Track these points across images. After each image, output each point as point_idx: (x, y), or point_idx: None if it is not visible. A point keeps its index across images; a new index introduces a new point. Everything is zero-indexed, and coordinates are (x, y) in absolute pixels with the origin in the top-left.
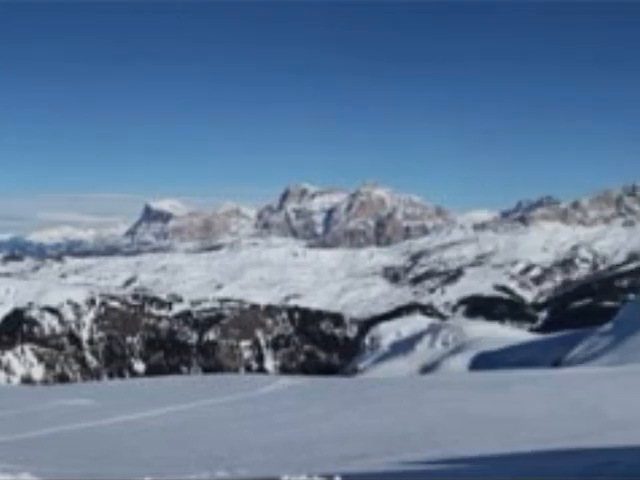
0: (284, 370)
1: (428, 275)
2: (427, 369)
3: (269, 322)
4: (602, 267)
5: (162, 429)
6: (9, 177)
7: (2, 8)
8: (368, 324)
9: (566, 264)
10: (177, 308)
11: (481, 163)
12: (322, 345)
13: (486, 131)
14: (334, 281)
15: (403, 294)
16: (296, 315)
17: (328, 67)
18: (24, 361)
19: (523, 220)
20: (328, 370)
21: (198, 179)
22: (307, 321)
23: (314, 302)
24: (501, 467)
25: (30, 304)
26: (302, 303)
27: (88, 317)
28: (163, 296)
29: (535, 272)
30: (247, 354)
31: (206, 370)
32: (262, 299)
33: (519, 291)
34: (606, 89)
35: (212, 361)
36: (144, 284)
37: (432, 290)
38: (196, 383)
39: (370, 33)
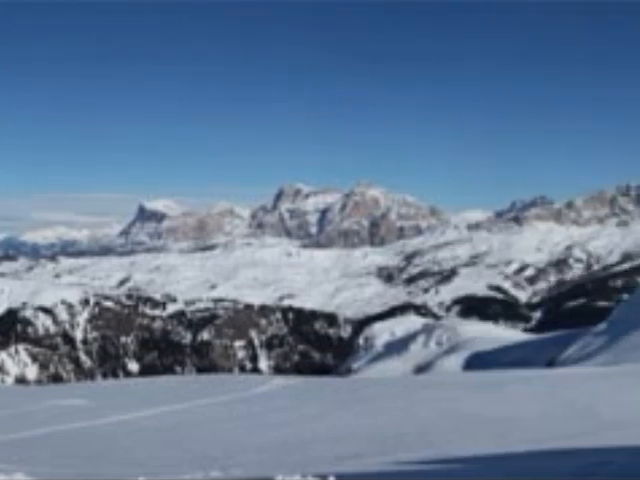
0: (278, 370)
1: (422, 275)
2: (421, 369)
3: (263, 322)
4: (596, 267)
5: (156, 429)
6: (3, 177)
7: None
8: (362, 324)
9: (560, 264)
10: (171, 308)
11: (475, 163)
12: (316, 345)
13: (480, 131)
14: (328, 281)
15: (397, 294)
16: (290, 315)
17: (322, 67)
18: (18, 361)
19: (517, 220)
20: (322, 370)
21: (192, 179)
22: (301, 321)
23: (308, 302)
24: (495, 467)
25: (24, 304)
26: (296, 303)
27: (82, 317)
28: (157, 296)
29: (529, 272)
30: (241, 354)
31: (200, 370)
32: (256, 299)
33: (513, 291)
34: (600, 89)
35: (206, 361)
36: (138, 284)
37: (426, 290)
38: (190, 383)
39: (364, 33)
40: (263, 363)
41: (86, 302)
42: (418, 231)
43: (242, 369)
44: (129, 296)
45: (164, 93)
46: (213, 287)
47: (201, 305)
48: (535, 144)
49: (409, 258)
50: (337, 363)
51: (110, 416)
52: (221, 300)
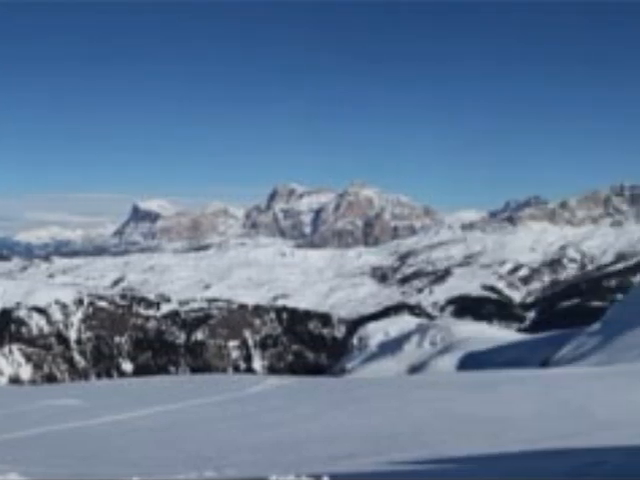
0: (272, 370)
1: (416, 275)
2: (415, 369)
3: (257, 322)
4: (590, 267)
5: (150, 429)
6: None
7: None
8: (356, 324)
9: (554, 264)
10: (165, 308)
11: (469, 163)
12: (310, 345)
13: (474, 131)
14: (322, 281)
15: (391, 294)
16: (284, 315)
17: (316, 68)
18: (12, 361)
19: (511, 220)
20: (316, 370)
21: (186, 179)
22: (295, 321)
23: (302, 302)
24: (489, 467)
25: (18, 304)
26: (290, 303)
27: (76, 317)
28: (151, 296)
29: (523, 272)
30: (235, 354)
31: (194, 370)
32: (250, 299)
33: (507, 291)
34: (595, 89)
35: (200, 361)
36: (132, 284)
37: (420, 290)
38: (184, 383)
39: (358, 34)
40: (257, 363)
41: (80, 302)
42: (412, 231)
43: (236, 369)
44: (123, 296)
45: (158, 93)
46: (207, 287)
47: (195, 305)
48: (529, 144)
49: (403, 258)
50: (331, 363)
51: (104, 416)
52: (215, 300)
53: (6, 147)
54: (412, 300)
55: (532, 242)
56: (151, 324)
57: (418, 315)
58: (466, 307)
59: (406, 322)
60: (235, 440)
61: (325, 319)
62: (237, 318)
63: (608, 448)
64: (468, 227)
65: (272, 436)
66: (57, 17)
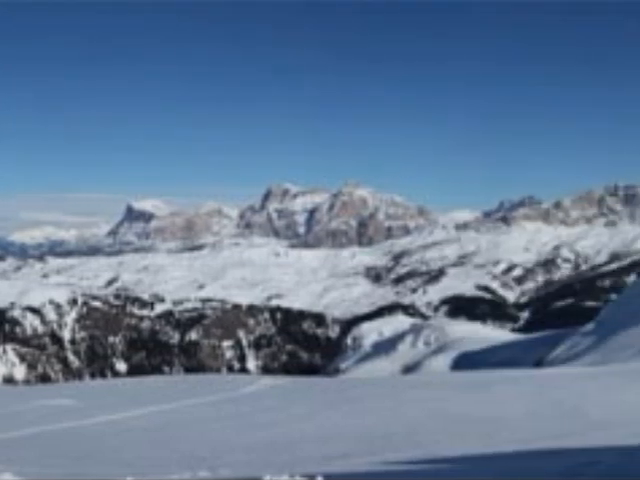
0: (266, 370)
1: (410, 275)
2: (409, 369)
3: (251, 322)
4: (584, 267)
5: (144, 429)
6: None
7: None
8: (350, 324)
9: (548, 264)
10: (159, 308)
11: (463, 163)
12: (304, 345)
13: (468, 131)
14: (316, 281)
15: (385, 294)
16: (278, 315)
17: (311, 67)
18: (6, 361)
19: (505, 220)
20: (310, 370)
21: (180, 179)
22: (289, 321)
23: (296, 302)
24: (483, 467)
25: (12, 304)
26: (284, 303)
27: (70, 317)
28: (145, 296)
29: (517, 272)
30: (229, 354)
31: (188, 370)
32: (244, 299)
33: (501, 291)
34: (588, 89)
35: (194, 361)
36: (126, 284)
37: (414, 290)
38: (178, 383)
39: (351, 33)
40: (251, 363)
41: (74, 302)
42: (406, 231)
43: (230, 369)
44: (117, 296)
45: (153, 93)
46: (201, 287)
47: (189, 305)
48: (523, 144)
49: (397, 258)
50: (325, 363)
51: (98, 416)
52: (209, 300)
53: (0, 147)
54: (406, 300)
55: (526, 242)
56: (145, 324)
57: (412, 315)
58: (460, 307)
59: (400, 322)
60: (229, 440)
61: (319, 319)
62: (231, 318)
63: (602, 448)
64: (462, 227)
65: (266, 436)
66: (50, 17)
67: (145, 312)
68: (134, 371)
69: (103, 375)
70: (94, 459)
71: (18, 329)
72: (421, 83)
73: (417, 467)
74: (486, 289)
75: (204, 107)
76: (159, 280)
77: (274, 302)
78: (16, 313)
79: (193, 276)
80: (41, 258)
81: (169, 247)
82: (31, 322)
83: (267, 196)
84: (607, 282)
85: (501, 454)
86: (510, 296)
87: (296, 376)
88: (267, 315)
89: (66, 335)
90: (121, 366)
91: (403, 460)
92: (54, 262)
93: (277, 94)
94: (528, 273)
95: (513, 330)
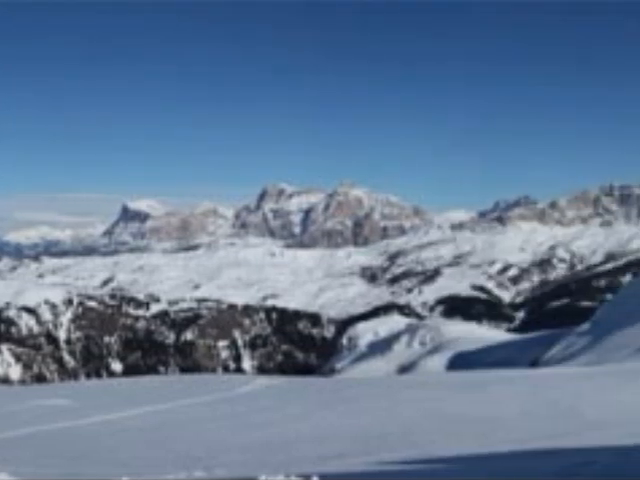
0: (261, 370)
1: (405, 275)
2: (404, 369)
3: (246, 322)
4: (579, 267)
5: (140, 429)
6: None
7: None
8: (345, 324)
9: (543, 264)
10: (154, 308)
11: (458, 163)
12: (300, 345)
13: (463, 131)
14: (312, 281)
15: (380, 294)
16: (273, 315)
17: (306, 67)
18: (1, 361)
19: (500, 220)
20: (305, 370)
21: (175, 179)
22: (285, 321)
23: (292, 302)
24: (478, 467)
25: (7, 304)
26: (280, 303)
27: (65, 317)
28: (140, 296)
29: (512, 272)
30: (224, 354)
31: (183, 370)
32: (239, 299)
33: (496, 291)
34: (584, 89)
35: (189, 361)
36: (121, 284)
37: (410, 290)
38: (173, 383)
39: (347, 33)
40: (247, 363)
41: (69, 302)
42: (401, 231)
43: (225, 369)
44: (112, 296)
45: (148, 93)
46: (196, 287)
47: (184, 305)
48: (519, 144)
49: (392, 258)
50: (320, 363)
51: (94, 416)
52: (204, 300)
53: None
54: (401, 300)
55: (521, 242)
56: (140, 324)
57: (407, 315)
58: (455, 307)
59: (395, 322)
60: (224, 440)
61: (314, 319)
62: (226, 318)
63: (597, 448)
64: (457, 227)
65: (261, 436)
66: (50, 17)
67: (140, 312)
68: (130, 371)
69: (99, 375)
70: (90, 459)
71: (14, 329)
72: (416, 83)
73: (412, 467)
74: (482, 289)
75: (199, 107)
76: (154, 280)
77: (270, 302)
78: (11, 313)
79: (188, 276)
80: (36, 258)
81: (164, 247)
82: (26, 322)
83: (262, 196)
84: (603, 282)
85: (496, 454)
86: (506, 296)
87: (292, 376)
88: (263, 315)
89: (62, 335)
90: (117, 366)
91: (398, 460)
92: (49, 262)
93: (272, 94)
94: (524, 273)
95: (509, 330)
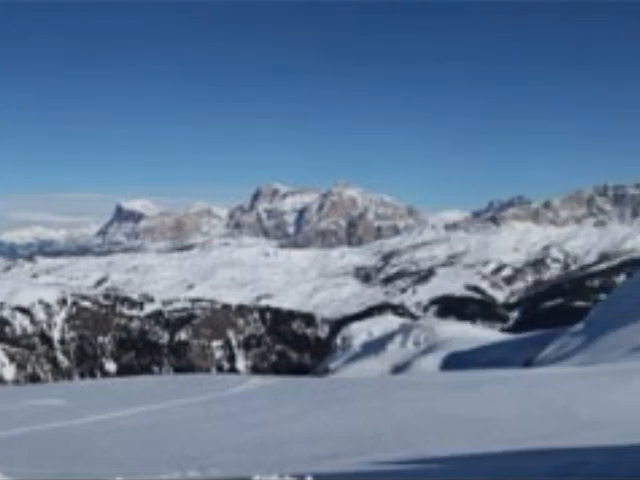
0: (255, 370)
1: (399, 275)
2: (398, 369)
3: (240, 322)
4: (573, 267)
5: (134, 429)
6: None
7: None
8: (339, 324)
9: (537, 264)
10: (148, 308)
11: (453, 163)
12: (293, 345)
13: (458, 131)
14: (305, 281)
15: (374, 294)
16: (267, 315)
17: (300, 67)
18: None
19: (494, 220)
20: (299, 370)
21: (169, 179)
22: (278, 321)
23: (285, 302)
24: (472, 467)
25: (1, 304)
26: (274, 303)
27: (59, 317)
28: (134, 296)
29: (506, 272)
30: (218, 354)
31: (177, 370)
32: (233, 299)
33: (490, 291)
34: (578, 89)
35: (183, 361)
36: (115, 284)
37: (403, 290)
38: (167, 383)
39: (341, 34)
40: (240, 363)
41: (63, 302)
42: (396, 231)
43: (219, 369)
44: (106, 296)
45: (142, 93)
46: (190, 287)
47: (178, 305)
48: (513, 144)
49: (387, 258)
50: (314, 363)
51: (88, 416)
52: (198, 300)
53: None
54: (395, 300)
55: (515, 242)
56: (134, 324)
57: (401, 315)
58: (449, 307)
59: (389, 322)
60: (218, 440)
61: (309, 319)
62: (220, 318)
63: (591, 448)
64: (451, 227)
65: (255, 436)
66: (31, 16)
67: (134, 312)
68: (123, 371)
69: (92, 375)
70: (84, 459)
71: (7, 329)
72: (411, 84)
73: (406, 467)
74: (475, 289)
75: (193, 107)
76: (148, 280)
77: (263, 302)
78: (5, 313)
79: (182, 276)
80: (30, 258)
81: (158, 247)
82: (20, 322)
83: (256, 196)
84: (596, 282)
85: (490, 454)
86: (499, 296)
87: (285, 376)
88: (256, 315)
89: (55, 335)
90: (110, 366)
91: (392, 460)
92: (43, 262)
93: (267, 94)
94: (517, 273)
95: (502, 330)
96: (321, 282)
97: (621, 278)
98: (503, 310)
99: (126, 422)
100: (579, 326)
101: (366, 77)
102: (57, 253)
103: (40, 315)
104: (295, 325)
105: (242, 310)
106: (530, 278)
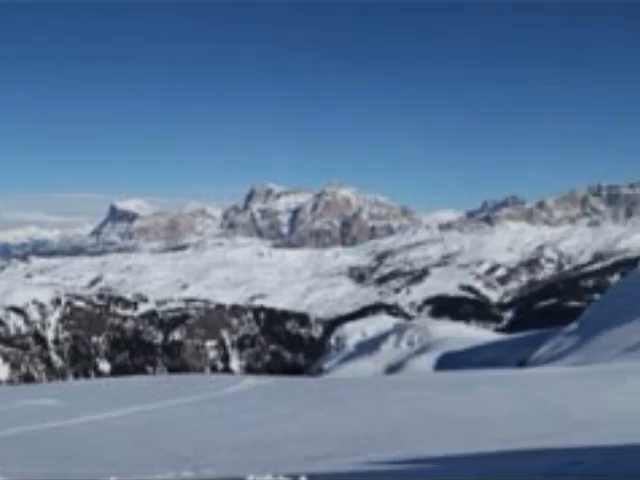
0: (249, 370)
1: (393, 275)
2: (392, 369)
3: (234, 322)
4: (567, 267)
5: (128, 429)
6: None
7: None
8: (333, 324)
9: (531, 264)
10: (142, 308)
11: (447, 163)
12: (287, 345)
13: (452, 131)
14: (299, 281)
15: (368, 294)
16: (262, 315)
17: (295, 67)
18: None
19: (488, 220)
20: (294, 370)
21: (163, 179)
22: (273, 321)
23: (279, 302)
24: (466, 467)
25: None
26: (267, 303)
27: (53, 317)
28: (128, 296)
29: (500, 272)
30: (212, 354)
31: (171, 370)
32: (227, 299)
33: (484, 291)
34: (572, 89)
35: (177, 361)
36: (109, 284)
37: (397, 290)
38: (161, 383)
39: (336, 34)
40: (234, 363)
41: (57, 302)
42: (389, 231)
43: (213, 369)
44: (100, 296)
45: (136, 93)
46: (184, 287)
47: (172, 305)
48: (506, 144)
49: (380, 258)
50: (308, 363)
51: (82, 416)
52: (192, 300)
53: None
54: (389, 300)
55: (509, 242)
56: (128, 324)
57: (395, 315)
58: (443, 307)
59: (383, 322)
60: (212, 440)
61: (302, 319)
62: (214, 318)
63: (585, 448)
64: (445, 227)
65: (250, 436)
66: (28, 16)
67: (128, 312)
68: (117, 371)
69: (86, 375)
70: (78, 459)
71: (1, 329)
72: (405, 83)
73: (400, 467)
74: (469, 289)
75: (187, 107)
76: (142, 280)
77: (257, 302)
78: None
79: (176, 276)
80: (24, 258)
81: (152, 247)
82: (14, 322)
83: (250, 196)
84: (590, 282)
85: (484, 454)
86: (493, 296)
87: (279, 376)
88: (250, 315)
89: (49, 335)
90: (104, 366)
91: (386, 460)
92: (37, 262)
93: (261, 94)
94: (511, 273)
95: (496, 330)
96: (315, 282)
97: (615, 278)
98: (497, 310)
99: (120, 422)
100: (573, 326)
101: (360, 77)
102: (51, 253)
103: (34, 315)
104: (289, 325)
105: (236, 310)
106: (524, 278)
